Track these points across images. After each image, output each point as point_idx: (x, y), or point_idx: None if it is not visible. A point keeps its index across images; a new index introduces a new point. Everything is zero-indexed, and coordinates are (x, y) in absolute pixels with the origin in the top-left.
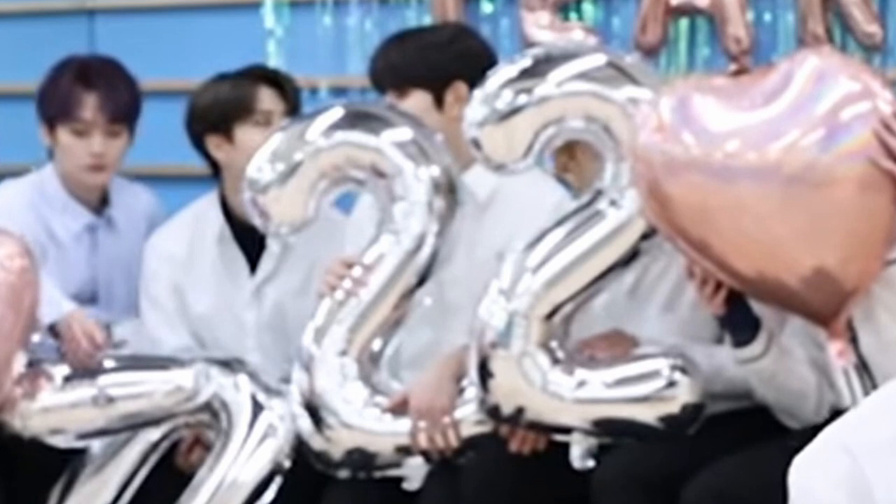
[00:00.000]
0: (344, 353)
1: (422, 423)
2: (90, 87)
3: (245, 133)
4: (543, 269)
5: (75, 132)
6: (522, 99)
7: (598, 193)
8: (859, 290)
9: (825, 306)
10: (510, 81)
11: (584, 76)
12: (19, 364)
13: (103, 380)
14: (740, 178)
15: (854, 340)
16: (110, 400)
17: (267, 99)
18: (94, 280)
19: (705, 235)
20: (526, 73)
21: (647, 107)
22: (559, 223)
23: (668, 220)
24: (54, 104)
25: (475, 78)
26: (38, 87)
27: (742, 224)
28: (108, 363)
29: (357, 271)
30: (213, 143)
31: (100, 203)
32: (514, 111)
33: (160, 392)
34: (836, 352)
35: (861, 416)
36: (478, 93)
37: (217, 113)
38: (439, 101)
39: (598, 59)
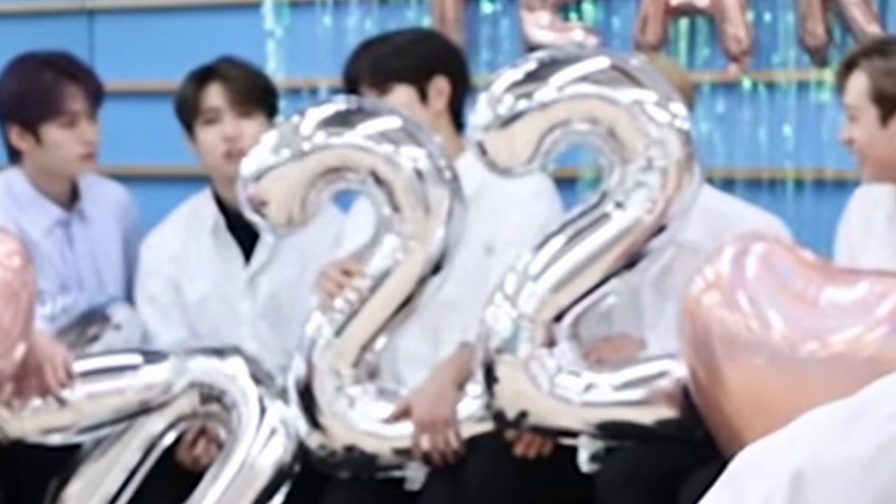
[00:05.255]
0: (346, 363)
1: (425, 435)
2: (75, 79)
3: (199, 132)
4: (549, 273)
5: (65, 125)
6: (523, 104)
7: (604, 196)
8: None
9: None
10: (514, 85)
11: (587, 79)
12: (18, 363)
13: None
14: (806, 369)
15: None
16: (83, 401)
17: (214, 96)
18: (78, 274)
19: (746, 431)
20: (530, 77)
21: (706, 253)
22: (564, 226)
23: (711, 398)
24: (37, 104)
25: (454, 73)
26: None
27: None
28: (81, 366)
29: (360, 282)
30: (189, 141)
31: (69, 199)
32: (517, 116)
33: (133, 389)
34: None
35: (823, 429)
36: (483, 96)
37: (180, 114)
38: (423, 96)
39: (602, 62)
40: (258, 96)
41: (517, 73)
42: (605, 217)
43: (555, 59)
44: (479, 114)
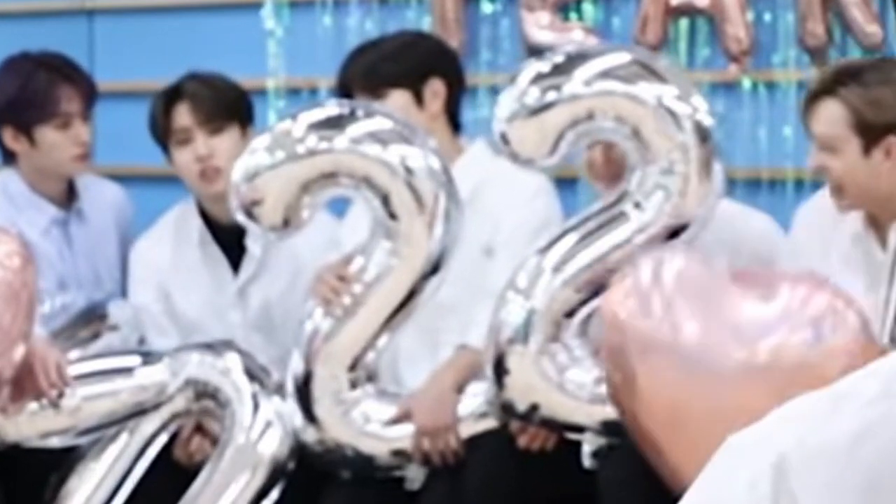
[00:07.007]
0: (342, 366)
1: (426, 440)
2: (70, 80)
3: (173, 152)
4: (563, 268)
5: (60, 127)
6: (552, 95)
7: (624, 195)
8: None
9: None
10: (540, 77)
11: (613, 75)
12: (17, 363)
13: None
14: (729, 378)
15: None
16: (78, 405)
17: (183, 116)
18: (77, 273)
19: (668, 442)
20: (557, 70)
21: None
22: (581, 222)
23: (629, 407)
24: (32, 106)
25: (449, 75)
26: None
27: (719, 433)
28: (76, 369)
29: (355, 286)
30: (167, 160)
31: (66, 198)
32: (545, 107)
33: (128, 391)
34: None
35: (806, 415)
36: (507, 89)
37: (153, 134)
38: (419, 99)
39: (623, 57)
40: (228, 111)
41: (544, 66)
42: (622, 216)
43: (582, 53)
44: (502, 106)
